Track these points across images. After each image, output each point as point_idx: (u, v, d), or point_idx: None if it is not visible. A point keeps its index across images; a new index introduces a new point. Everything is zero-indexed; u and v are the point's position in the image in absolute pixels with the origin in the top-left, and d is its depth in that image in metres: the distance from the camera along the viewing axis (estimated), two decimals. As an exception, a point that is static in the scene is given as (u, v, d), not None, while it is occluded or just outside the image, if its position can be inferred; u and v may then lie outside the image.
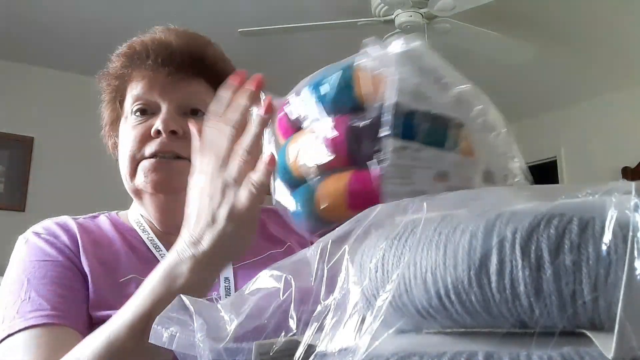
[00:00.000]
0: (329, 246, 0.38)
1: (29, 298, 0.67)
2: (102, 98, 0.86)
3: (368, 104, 0.46)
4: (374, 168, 0.44)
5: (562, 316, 0.27)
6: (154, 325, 0.43)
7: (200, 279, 0.55)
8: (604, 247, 0.27)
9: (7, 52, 3.44)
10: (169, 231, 0.81)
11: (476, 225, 0.30)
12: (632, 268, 0.25)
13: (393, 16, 2.70)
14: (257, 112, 0.55)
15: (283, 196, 0.52)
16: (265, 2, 2.89)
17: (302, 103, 0.50)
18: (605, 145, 4.17)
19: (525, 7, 3.01)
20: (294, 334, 0.37)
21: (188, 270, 0.54)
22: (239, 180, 0.54)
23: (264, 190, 0.54)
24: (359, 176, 0.46)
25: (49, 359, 0.62)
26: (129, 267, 0.76)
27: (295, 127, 0.51)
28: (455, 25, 2.74)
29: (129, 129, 0.78)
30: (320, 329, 0.34)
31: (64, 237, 0.75)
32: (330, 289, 0.36)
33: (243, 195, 0.54)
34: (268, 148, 0.54)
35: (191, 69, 0.79)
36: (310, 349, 0.33)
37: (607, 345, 0.25)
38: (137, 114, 0.78)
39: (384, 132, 0.44)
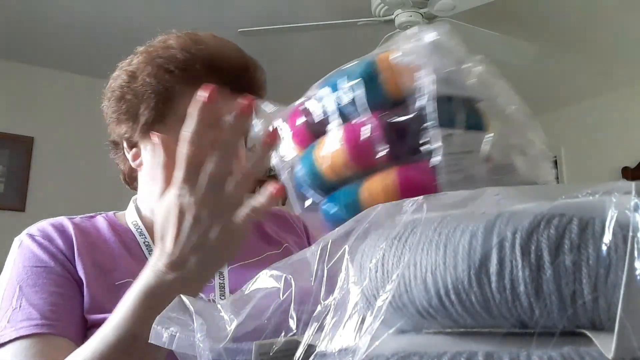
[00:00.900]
0: (329, 246, 0.38)
1: (20, 306, 0.68)
2: (143, 96, 0.79)
3: (403, 97, 0.45)
4: (425, 160, 0.43)
5: (562, 316, 0.27)
6: (154, 325, 0.43)
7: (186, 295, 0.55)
8: (604, 247, 0.27)
9: (8, 52, 3.44)
10: None
11: (476, 225, 0.30)
12: (632, 268, 0.25)
13: (393, 16, 2.70)
14: (259, 136, 0.53)
15: (315, 203, 0.50)
16: (265, 2, 2.89)
17: (324, 106, 0.48)
18: (605, 145, 4.17)
19: (525, 7, 3.01)
20: (294, 334, 0.37)
21: (173, 291, 0.51)
22: (235, 204, 0.53)
23: (259, 217, 0.53)
24: (407, 171, 0.44)
25: None
26: (125, 269, 0.76)
27: (315, 133, 0.49)
28: (455, 25, 2.74)
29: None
30: (320, 329, 0.34)
31: (59, 241, 0.75)
32: (330, 289, 0.36)
33: (240, 219, 0.52)
34: (277, 164, 0.52)
35: (241, 88, 0.79)
36: (310, 349, 0.33)
37: (607, 345, 0.25)
38: None
39: (430, 122, 0.42)
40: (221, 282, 0.78)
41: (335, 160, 0.47)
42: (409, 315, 0.32)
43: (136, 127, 0.79)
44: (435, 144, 0.43)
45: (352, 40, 3.20)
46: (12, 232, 0.86)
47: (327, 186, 0.49)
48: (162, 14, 2.92)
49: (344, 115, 0.47)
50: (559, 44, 3.40)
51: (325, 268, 0.38)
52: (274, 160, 0.53)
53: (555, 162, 4.53)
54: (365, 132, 0.45)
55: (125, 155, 0.85)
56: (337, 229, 0.39)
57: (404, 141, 0.44)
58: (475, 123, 0.45)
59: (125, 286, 0.73)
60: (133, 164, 0.84)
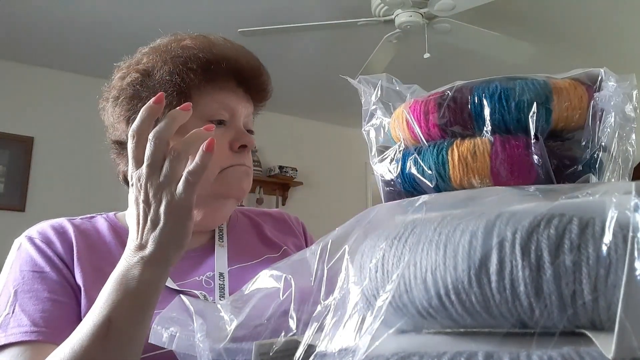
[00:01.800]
0: (328, 246, 0.38)
1: (13, 312, 0.68)
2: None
3: (569, 128, 0.44)
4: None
5: (562, 316, 0.27)
6: (154, 325, 0.43)
7: (153, 277, 0.59)
8: (604, 248, 0.27)
9: (7, 52, 3.44)
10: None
11: (476, 225, 0.30)
12: (632, 268, 0.25)
13: (393, 16, 2.70)
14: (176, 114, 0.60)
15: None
16: (265, 2, 2.89)
17: (476, 110, 0.44)
18: (605, 145, 4.17)
19: (525, 7, 3.01)
20: (294, 334, 0.37)
21: (139, 272, 0.58)
22: (172, 178, 0.57)
23: (199, 180, 0.57)
24: None
25: None
26: None
27: (446, 131, 0.46)
28: (455, 25, 2.74)
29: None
30: (320, 329, 0.34)
31: (58, 245, 0.75)
32: (330, 289, 0.36)
33: (179, 188, 0.57)
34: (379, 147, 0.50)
35: (252, 90, 0.84)
36: (310, 349, 0.33)
37: (607, 345, 0.25)
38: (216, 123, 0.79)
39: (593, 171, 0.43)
40: (221, 283, 0.78)
41: (474, 172, 0.44)
42: (409, 316, 0.32)
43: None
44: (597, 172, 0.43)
45: (352, 40, 3.20)
46: (12, 232, 0.86)
47: (442, 189, 0.46)
48: (162, 14, 2.92)
49: (497, 126, 0.44)
50: (559, 44, 3.40)
51: (325, 268, 0.38)
52: (378, 140, 0.51)
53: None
54: (526, 153, 0.42)
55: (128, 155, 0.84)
56: (337, 229, 0.39)
57: (560, 175, 0.43)
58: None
59: None
60: None
